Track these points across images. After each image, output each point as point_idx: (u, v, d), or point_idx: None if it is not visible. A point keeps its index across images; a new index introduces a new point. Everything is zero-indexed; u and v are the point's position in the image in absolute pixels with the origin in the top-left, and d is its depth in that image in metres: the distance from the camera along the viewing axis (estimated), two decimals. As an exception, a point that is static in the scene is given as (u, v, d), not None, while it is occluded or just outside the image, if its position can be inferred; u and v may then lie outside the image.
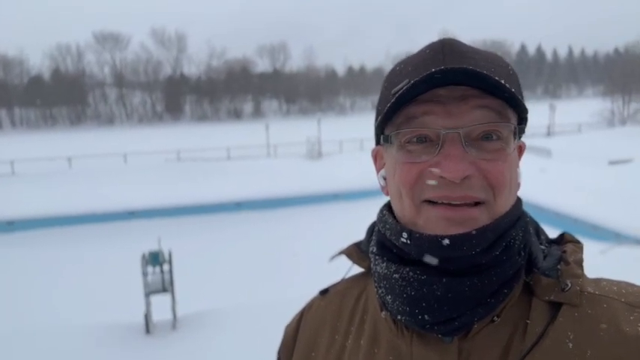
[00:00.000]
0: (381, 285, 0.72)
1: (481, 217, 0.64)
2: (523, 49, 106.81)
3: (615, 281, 0.69)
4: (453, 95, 0.65)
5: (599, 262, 7.45)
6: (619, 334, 0.60)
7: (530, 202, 12.39)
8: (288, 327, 0.92)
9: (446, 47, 0.67)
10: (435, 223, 0.65)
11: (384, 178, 0.77)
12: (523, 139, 0.74)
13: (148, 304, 6.56)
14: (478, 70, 0.61)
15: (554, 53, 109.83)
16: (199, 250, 11.86)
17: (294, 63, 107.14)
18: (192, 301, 7.41)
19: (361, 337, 0.77)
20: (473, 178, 0.63)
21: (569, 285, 0.65)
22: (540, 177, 14.90)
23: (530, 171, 15.13)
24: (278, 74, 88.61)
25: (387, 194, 0.76)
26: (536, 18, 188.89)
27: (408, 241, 0.67)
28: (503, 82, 0.62)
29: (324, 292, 0.90)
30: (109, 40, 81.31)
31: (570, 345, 0.61)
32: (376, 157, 0.81)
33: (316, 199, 17.67)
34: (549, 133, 33.83)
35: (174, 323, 6.65)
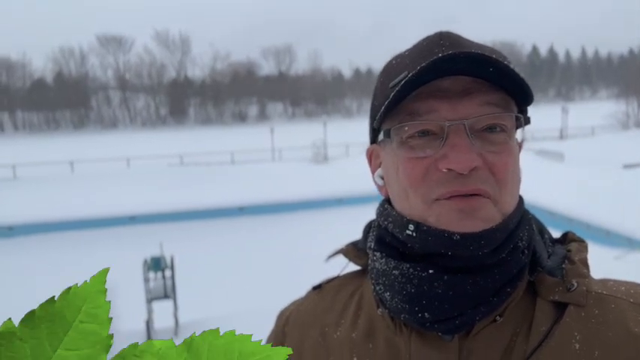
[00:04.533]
0: (379, 281, 0.71)
1: (490, 209, 0.63)
2: (534, 50, 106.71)
3: (622, 281, 0.68)
4: (457, 88, 0.63)
5: (614, 269, 7.26)
6: (627, 335, 0.60)
7: (541, 207, 12.20)
8: (279, 318, 0.91)
9: (444, 38, 0.67)
10: (447, 217, 0.62)
11: (382, 178, 0.75)
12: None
13: (149, 311, 6.58)
14: (487, 54, 0.59)
15: (567, 54, 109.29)
16: (202, 256, 11.79)
17: (300, 65, 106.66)
18: (194, 307, 7.34)
19: (354, 331, 0.75)
20: (480, 170, 0.62)
21: (575, 285, 0.64)
22: (551, 181, 14.69)
23: (541, 175, 14.98)
24: (283, 77, 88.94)
25: (385, 195, 0.75)
26: (548, 18, 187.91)
27: (414, 234, 0.65)
28: (512, 66, 0.61)
29: (317, 288, 0.88)
30: (112, 42, 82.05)
31: (577, 345, 0.60)
32: (371, 156, 0.80)
33: (322, 203, 17.52)
34: (562, 137, 33.37)
35: (176, 330, 6.67)
